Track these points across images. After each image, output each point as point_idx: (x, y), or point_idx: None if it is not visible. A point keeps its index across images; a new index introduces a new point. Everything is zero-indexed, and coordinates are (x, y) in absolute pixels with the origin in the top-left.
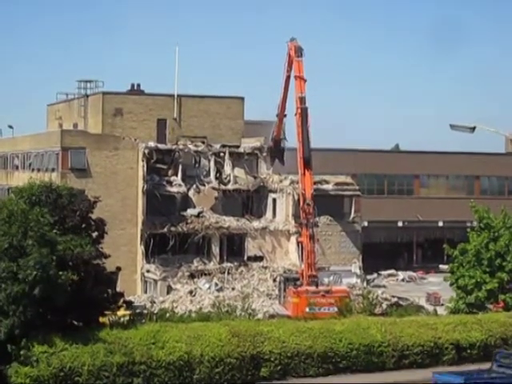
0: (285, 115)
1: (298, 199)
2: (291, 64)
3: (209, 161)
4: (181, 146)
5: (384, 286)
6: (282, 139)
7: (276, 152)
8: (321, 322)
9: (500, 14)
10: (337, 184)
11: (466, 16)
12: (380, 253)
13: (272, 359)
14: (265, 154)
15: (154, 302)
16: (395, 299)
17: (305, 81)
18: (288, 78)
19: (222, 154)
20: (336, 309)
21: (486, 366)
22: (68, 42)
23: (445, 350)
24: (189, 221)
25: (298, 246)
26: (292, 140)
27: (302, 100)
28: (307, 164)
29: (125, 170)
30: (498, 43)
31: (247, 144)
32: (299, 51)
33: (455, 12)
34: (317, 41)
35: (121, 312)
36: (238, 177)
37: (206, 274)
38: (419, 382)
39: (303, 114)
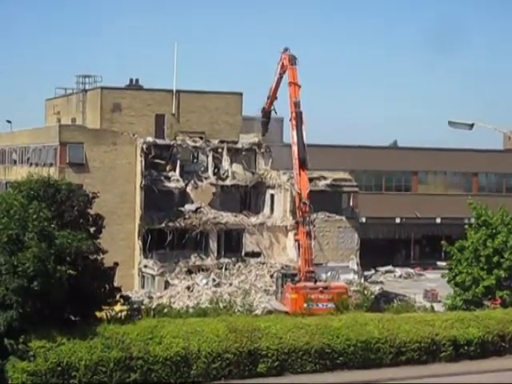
0: (276, 98)
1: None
2: (285, 70)
3: (207, 156)
4: (179, 142)
5: (381, 283)
6: (271, 110)
7: (263, 123)
8: (318, 318)
9: (499, 13)
10: (335, 180)
11: (466, 15)
12: (378, 249)
13: (269, 355)
14: (262, 151)
15: (152, 298)
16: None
17: (299, 86)
18: (280, 78)
19: (220, 150)
20: (334, 305)
21: (483, 362)
22: (67, 36)
23: (442, 347)
24: (187, 216)
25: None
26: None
27: (297, 104)
28: (303, 164)
29: (123, 165)
30: (497, 43)
31: (245, 140)
32: (293, 60)
33: (454, 11)
34: (315, 41)
35: (118, 307)
36: (235, 172)
37: (203, 270)
38: (416, 379)
39: (298, 118)
